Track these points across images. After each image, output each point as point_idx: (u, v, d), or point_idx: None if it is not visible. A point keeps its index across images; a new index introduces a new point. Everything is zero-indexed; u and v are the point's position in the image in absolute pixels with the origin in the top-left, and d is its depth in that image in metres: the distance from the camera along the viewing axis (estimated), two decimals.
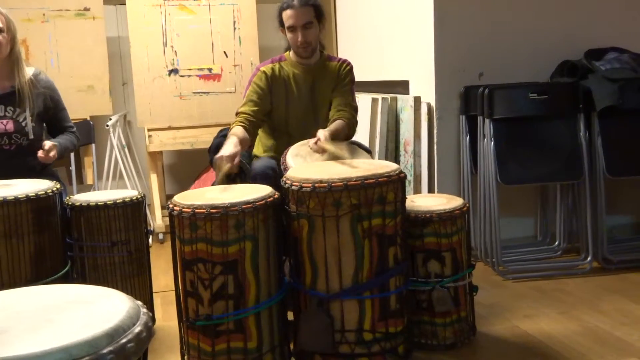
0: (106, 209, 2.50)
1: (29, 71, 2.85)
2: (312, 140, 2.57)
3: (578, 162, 3.28)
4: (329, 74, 2.86)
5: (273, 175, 2.45)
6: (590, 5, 3.60)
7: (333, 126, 2.71)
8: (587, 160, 3.28)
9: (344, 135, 2.78)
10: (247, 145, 2.67)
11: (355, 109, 2.88)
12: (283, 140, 2.82)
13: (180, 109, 4.62)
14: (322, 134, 2.55)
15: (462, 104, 3.46)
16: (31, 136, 2.78)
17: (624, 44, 3.53)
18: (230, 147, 2.47)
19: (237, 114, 2.77)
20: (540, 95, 3.28)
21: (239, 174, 2.83)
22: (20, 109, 2.78)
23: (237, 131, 2.64)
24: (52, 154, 2.71)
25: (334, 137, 2.63)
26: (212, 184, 3.00)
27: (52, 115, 2.91)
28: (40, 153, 2.69)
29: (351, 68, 2.92)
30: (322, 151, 2.52)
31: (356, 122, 2.87)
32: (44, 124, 2.92)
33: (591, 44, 3.50)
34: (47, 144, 2.72)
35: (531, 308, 2.78)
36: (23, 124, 2.77)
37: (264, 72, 2.82)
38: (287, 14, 2.73)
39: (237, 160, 2.43)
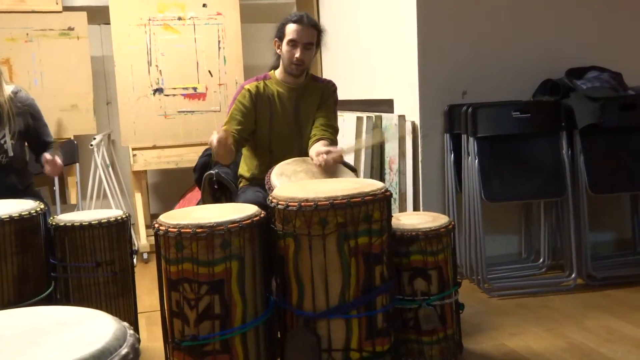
0: (90, 229, 2.49)
1: (8, 89, 2.83)
2: (299, 160, 2.59)
3: (561, 179, 3.31)
4: (313, 93, 2.86)
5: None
6: (571, 25, 3.66)
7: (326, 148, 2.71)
8: (570, 178, 3.31)
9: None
10: (233, 154, 2.64)
11: (336, 131, 2.90)
12: (266, 159, 2.81)
13: (165, 128, 4.61)
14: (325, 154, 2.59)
15: (446, 122, 3.49)
16: (11, 154, 2.77)
17: (604, 63, 3.59)
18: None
19: None
20: (522, 114, 3.32)
21: (224, 193, 2.83)
22: (0, 127, 2.76)
23: None
24: (59, 163, 2.71)
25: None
26: (198, 203, 3.00)
27: (33, 132, 2.89)
28: (47, 168, 2.69)
29: (335, 89, 2.93)
30: (327, 166, 2.56)
31: (337, 144, 2.89)
32: (25, 142, 2.91)
33: (572, 63, 3.56)
34: (48, 156, 2.72)
35: (517, 325, 2.79)
36: (2, 142, 2.75)
37: (249, 90, 2.80)
38: (292, 27, 2.71)
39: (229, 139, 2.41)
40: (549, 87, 3.52)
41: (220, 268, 1.99)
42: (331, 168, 2.70)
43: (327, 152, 2.59)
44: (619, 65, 3.60)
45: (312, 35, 2.73)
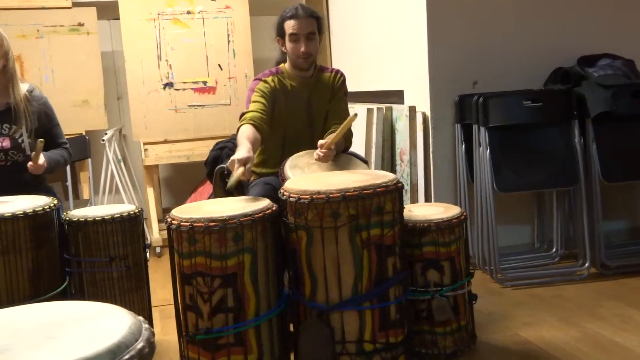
0: (104, 223, 2.50)
1: (23, 87, 2.84)
2: (312, 152, 2.59)
3: (573, 168, 3.29)
4: (324, 85, 2.85)
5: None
6: (582, 12, 3.63)
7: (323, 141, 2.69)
8: (583, 166, 3.29)
9: (342, 147, 2.79)
10: (257, 147, 2.57)
11: None
12: (278, 153, 2.81)
13: (176, 123, 4.62)
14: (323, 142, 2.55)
15: (457, 112, 3.47)
16: (28, 152, 2.78)
17: (616, 50, 3.55)
18: (243, 151, 2.31)
19: (242, 115, 2.65)
20: (534, 103, 3.30)
21: (235, 187, 2.83)
22: (17, 125, 2.78)
23: (248, 132, 2.50)
24: (41, 161, 2.70)
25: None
26: (209, 197, 3.00)
27: (46, 131, 2.89)
28: (30, 164, 2.69)
29: (344, 79, 2.91)
30: (327, 159, 2.53)
31: (352, 134, 2.88)
32: None
33: (584, 50, 3.53)
34: (41, 160, 2.71)
35: (530, 315, 2.78)
36: (20, 140, 2.77)
37: (266, 81, 2.78)
38: (290, 23, 2.69)
39: (249, 165, 2.27)
40: (560, 76, 3.50)
41: (233, 261, 2.00)
42: (342, 160, 2.70)
43: (322, 149, 2.55)
44: (631, 53, 3.56)
45: (311, 25, 2.72)
